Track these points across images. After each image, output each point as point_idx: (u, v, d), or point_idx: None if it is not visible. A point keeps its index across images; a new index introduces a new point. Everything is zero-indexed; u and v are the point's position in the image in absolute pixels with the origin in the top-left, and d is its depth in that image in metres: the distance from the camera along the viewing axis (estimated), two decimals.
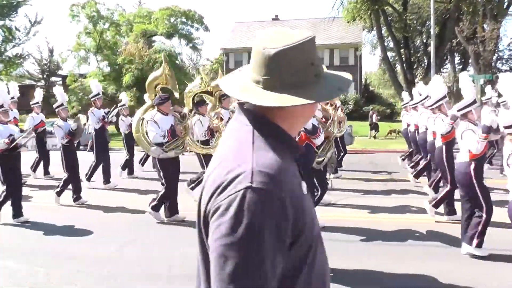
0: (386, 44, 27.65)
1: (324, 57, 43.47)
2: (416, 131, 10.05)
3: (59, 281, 4.70)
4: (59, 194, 8.51)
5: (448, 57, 36.35)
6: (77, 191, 8.52)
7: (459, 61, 37.94)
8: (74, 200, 8.46)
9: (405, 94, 13.33)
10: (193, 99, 7.90)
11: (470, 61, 27.93)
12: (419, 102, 9.52)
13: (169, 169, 6.94)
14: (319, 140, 6.13)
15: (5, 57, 39.05)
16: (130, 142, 11.41)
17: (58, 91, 9.97)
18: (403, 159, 12.40)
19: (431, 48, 21.64)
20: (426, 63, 27.01)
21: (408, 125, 11.41)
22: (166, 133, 6.83)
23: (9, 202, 7.16)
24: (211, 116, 8.17)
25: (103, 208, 8.31)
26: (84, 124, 8.96)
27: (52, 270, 5.03)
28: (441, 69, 38.66)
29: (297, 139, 5.10)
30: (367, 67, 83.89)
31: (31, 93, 12.83)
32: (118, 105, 11.29)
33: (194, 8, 52.54)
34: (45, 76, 47.03)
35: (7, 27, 38.30)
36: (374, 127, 24.89)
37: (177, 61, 41.07)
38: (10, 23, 38.70)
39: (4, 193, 7.07)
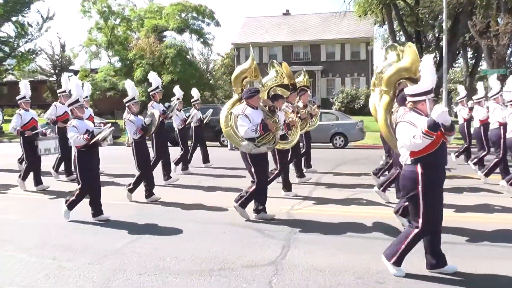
0: (397, 38, 27.40)
1: (335, 52, 43.33)
2: (482, 127, 9.90)
3: (71, 273, 4.76)
4: (131, 191, 8.24)
5: (461, 51, 35.97)
6: (150, 188, 8.25)
7: (471, 56, 37.54)
8: (147, 197, 8.20)
9: (461, 88, 13.07)
10: (268, 92, 7.60)
11: (483, 55, 27.61)
12: (494, 95, 9.18)
13: (260, 164, 6.74)
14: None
15: (18, 52, 39.44)
16: (184, 137, 11.76)
17: (86, 86, 10.52)
18: (457, 156, 12.27)
19: (443, 43, 21.43)
20: (438, 58, 26.72)
21: (465, 120, 11.28)
22: (258, 127, 6.53)
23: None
24: (287, 111, 8.05)
25: (114, 201, 8.39)
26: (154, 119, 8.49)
27: (64, 263, 5.10)
28: (453, 64, 38.34)
29: None
30: (378, 62, 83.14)
31: (43, 89, 12.89)
32: (178, 100, 11.11)
33: (205, 3, 52.44)
34: (57, 71, 47.32)
35: (20, 23, 38.65)
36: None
37: (188, 56, 41.15)
38: (23, 19, 39.09)
39: (77, 191, 6.86)
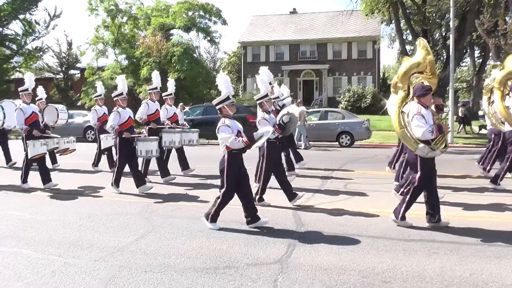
0: (404, 37, 27.35)
1: (342, 51, 43.26)
2: None
3: (77, 270, 4.78)
4: (261, 200, 7.61)
5: (468, 50, 35.84)
6: (262, 192, 7.69)
7: (478, 55, 37.39)
8: (258, 201, 7.50)
9: None
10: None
11: (490, 54, 27.47)
12: None
13: (430, 172, 6.17)
14: None
15: (25, 50, 39.63)
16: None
17: (171, 83, 10.63)
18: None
19: (450, 42, 21.31)
20: (445, 57, 26.60)
21: None
22: (433, 128, 5.91)
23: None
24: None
25: (121, 198, 8.43)
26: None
27: (70, 259, 5.12)
28: (460, 63, 38.18)
29: None
30: (385, 61, 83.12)
31: (50, 86, 13.01)
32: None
33: (212, 2, 52.47)
34: (63, 69, 47.53)
35: (27, 21, 38.82)
36: (463, 121, 24.68)
37: (194, 55, 41.17)
38: (30, 17, 39.27)
39: (220, 199, 6.28)
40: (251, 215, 6.29)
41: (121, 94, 9.05)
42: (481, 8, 23.00)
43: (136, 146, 9.05)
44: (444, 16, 28.11)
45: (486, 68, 34.20)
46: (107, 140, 10.79)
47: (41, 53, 41.36)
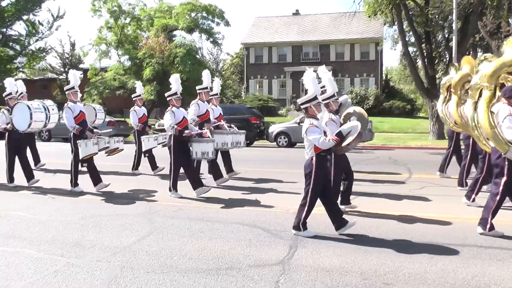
0: (407, 39, 27.29)
1: (345, 52, 43.25)
2: None
3: (79, 270, 4.79)
4: (344, 198, 7.31)
5: (471, 52, 35.72)
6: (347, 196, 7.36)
7: None
8: (342, 203, 7.17)
9: None
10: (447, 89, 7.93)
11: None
12: None
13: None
14: None
15: (28, 50, 39.81)
16: None
17: (216, 82, 10.47)
18: None
19: (453, 43, 21.31)
20: (447, 59, 26.59)
21: None
22: None
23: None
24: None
25: (124, 198, 8.44)
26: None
27: (73, 259, 5.13)
28: None
29: None
30: (387, 62, 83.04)
31: (53, 87, 12.92)
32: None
33: (215, 3, 52.53)
34: (66, 69, 47.66)
35: (31, 22, 39.00)
36: None
37: (197, 56, 41.21)
38: (34, 18, 39.49)
39: (307, 206, 5.95)
40: (337, 221, 5.97)
41: (175, 93, 8.72)
42: (484, 9, 22.98)
43: (191, 148, 8.61)
44: (447, 17, 28.11)
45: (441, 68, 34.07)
46: (149, 142, 10.55)
47: (44, 53, 41.55)
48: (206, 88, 9.96)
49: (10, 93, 9.83)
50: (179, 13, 40.45)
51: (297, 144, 20.60)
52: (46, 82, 47.58)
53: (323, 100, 6.60)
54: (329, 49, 43.47)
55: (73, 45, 48.69)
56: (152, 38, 38.23)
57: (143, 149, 10.91)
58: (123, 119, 28.65)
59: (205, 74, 10.25)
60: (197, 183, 8.46)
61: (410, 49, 30.17)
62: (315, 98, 5.91)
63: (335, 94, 6.84)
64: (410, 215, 6.98)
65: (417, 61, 29.45)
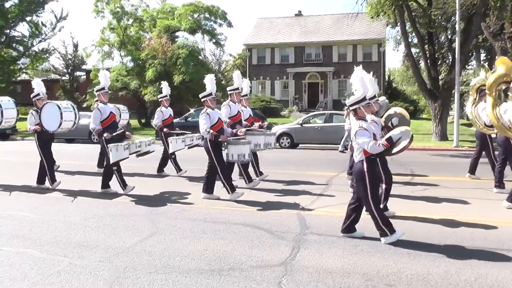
0: (410, 40, 27.23)
1: (347, 53, 43.24)
2: None
3: (82, 270, 4.80)
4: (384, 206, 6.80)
5: (474, 53, 35.66)
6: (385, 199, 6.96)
7: (484, 58, 37.22)
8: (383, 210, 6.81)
9: None
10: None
11: (496, 57, 27.31)
12: None
13: None
14: None
15: (31, 52, 39.92)
16: None
17: (246, 83, 10.29)
18: None
19: (456, 44, 21.26)
20: (450, 60, 26.51)
21: None
22: None
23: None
24: None
25: (127, 199, 8.45)
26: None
27: (75, 260, 5.15)
28: (466, 66, 38.04)
29: None
30: (390, 64, 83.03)
31: (56, 88, 12.81)
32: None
33: (217, 4, 52.62)
34: (69, 70, 47.77)
35: (34, 23, 39.11)
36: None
37: (200, 57, 41.21)
38: (37, 19, 39.61)
39: (374, 212, 5.63)
40: (350, 226, 5.89)
41: (210, 94, 8.44)
42: (487, 10, 22.92)
43: (227, 150, 8.37)
44: (450, 18, 28.04)
45: (492, 71, 34.09)
46: (177, 143, 10.28)
47: (47, 54, 41.64)
48: (237, 89, 9.68)
49: (38, 94, 9.65)
50: (181, 14, 40.45)
51: (300, 145, 20.63)
52: (49, 83, 47.56)
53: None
54: (331, 50, 43.47)
55: (76, 46, 48.74)
56: (154, 39, 38.22)
57: (170, 151, 10.72)
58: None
59: (236, 75, 9.99)
60: (231, 189, 8.31)
61: (413, 50, 30.12)
62: (364, 99, 5.73)
63: (376, 95, 6.64)
64: (413, 216, 6.97)
65: (420, 62, 29.40)
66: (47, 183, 9.61)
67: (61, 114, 9.28)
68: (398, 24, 25.22)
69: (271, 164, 12.82)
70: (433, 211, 7.32)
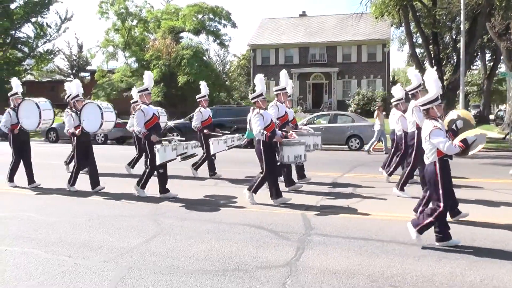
0: (414, 40, 27.23)
1: (352, 54, 43.18)
2: None
3: (87, 270, 4.81)
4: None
5: (479, 53, 35.60)
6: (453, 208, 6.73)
7: (489, 58, 37.14)
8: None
9: None
10: None
11: (501, 58, 27.25)
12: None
13: None
14: None
15: (36, 53, 40.09)
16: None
17: (291, 84, 10.24)
18: None
19: (461, 45, 21.19)
20: (455, 60, 26.47)
21: None
22: None
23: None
24: None
25: (132, 199, 8.46)
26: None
27: (80, 260, 5.16)
28: (471, 66, 37.94)
29: None
30: (395, 64, 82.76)
31: (61, 88, 12.71)
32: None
33: (222, 5, 52.63)
34: (74, 71, 47.93)
35: (39, 24, 39.30)
36: None
37: (204, 58, 41.28)
38: (42, 20, 39.81)
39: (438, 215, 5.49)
40: (443, 232, 5.60)
41: (261, 94, 8.07)
42: (492, 10, 22.85)
43: (281, 152, 8.07)
44: (454, 19, 28.00)
45: (497, 71, 33.96)
46: (219, 145, 10.07)
47: (52, 55, 41.85)
48: (284, 89, 9.39)
49: (78, 95, 9.47)
50: (186, 15, 40.56)
51: None
52: (53, 83, 47.90)
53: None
54: (336, 51, 43.43)
55: (80, 47, 49.00)
56: (159, 40, 38.33)
57: (212, 152, 10.42)
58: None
59: (283, 74, 9.65)
60: (277, 194, 8.03)
61: (418, 50, 30.09)
62: (437, 98, 5.60)
63: (439, 97, 6.02)
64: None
65: (425, 62, 29.33)
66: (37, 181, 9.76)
67: (102, 114, 9.00)
68: (403, 24, 25.21)
69: None
70: None
